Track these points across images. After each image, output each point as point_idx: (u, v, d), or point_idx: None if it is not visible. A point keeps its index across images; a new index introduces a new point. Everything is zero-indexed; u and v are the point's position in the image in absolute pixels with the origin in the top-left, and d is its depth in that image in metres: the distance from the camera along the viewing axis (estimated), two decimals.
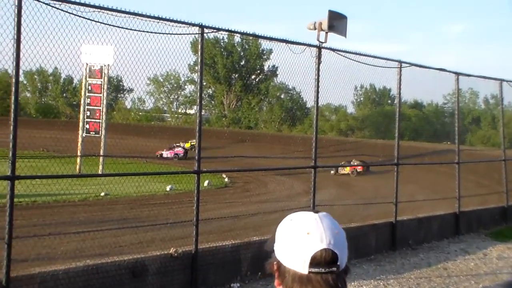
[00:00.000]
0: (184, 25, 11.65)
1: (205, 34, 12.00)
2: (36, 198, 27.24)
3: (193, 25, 11.80)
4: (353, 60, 15.55)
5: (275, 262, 2.16)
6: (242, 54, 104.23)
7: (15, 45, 9.31)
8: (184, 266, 11.35)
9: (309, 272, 2.04)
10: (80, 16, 10.21)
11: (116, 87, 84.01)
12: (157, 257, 11.05)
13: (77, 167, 44.57)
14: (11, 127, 9.32)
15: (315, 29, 14.05)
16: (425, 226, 18.47)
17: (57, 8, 10.16)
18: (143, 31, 10.93)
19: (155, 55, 12.03)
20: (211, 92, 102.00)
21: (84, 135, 46.89)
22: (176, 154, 59.31)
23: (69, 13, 10.29)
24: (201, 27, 11.86)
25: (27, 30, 9.70)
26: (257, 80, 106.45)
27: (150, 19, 11.01)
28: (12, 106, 9.52)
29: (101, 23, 10.54)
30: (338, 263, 2.04)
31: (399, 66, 17.35)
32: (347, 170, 48.80)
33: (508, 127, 31.97)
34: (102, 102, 46.79)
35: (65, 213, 24.13)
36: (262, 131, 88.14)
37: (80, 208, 26.37)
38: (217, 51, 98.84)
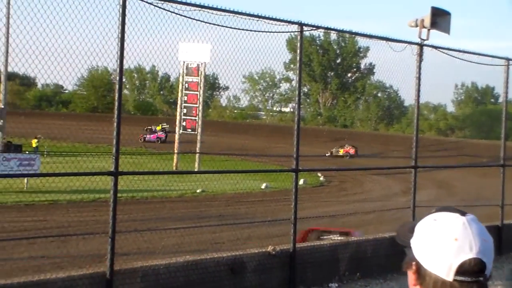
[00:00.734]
0: (282, 23, 11.66)
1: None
2: (135, 193, 28.12)
3: (292, 23, 11.80)
4: (457, 58, 15.11)
5: (414, 263, 2.07)
6: (338, 52, 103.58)
7: (119, 43, 9.57)
8: (282, 264, 11.40)
9: (454, 280, 1.97)
10: (181, 15, 10.41)
11: (212, 85, 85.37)
12: (255, 255, 11.14)
13: (174, 164, 45.72)
14: (115, 124, 9.57)
15: (416, 26, 13.75)
16: None
17: (159, 7, 10.40)
18: (243, 29, 11.02)
19: (251, 53, 12.11)
20: (306, 90, 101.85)
21: (180, 132, 47.97)
22: (159, 137, 63.23)
23: (170, 11, 10.51)
24: (300, 25, 11.84)
25: (131, 29, 9.99)
26: (353, 78, 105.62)
27: (248, 17, 11.10)
28: (116, 103, 9.78)
29: (201, 21, 10.71)
30: (485, 273, 1.97)
31: (506, 64, 16.72)
32: (341, 152, 57.92)
33: None
34: (198, 100, 47.64)
35: (163, 208, 24.76)
36: (358, 129, 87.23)
37: (177, 204, 26.99)
38: (313, 49, 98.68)
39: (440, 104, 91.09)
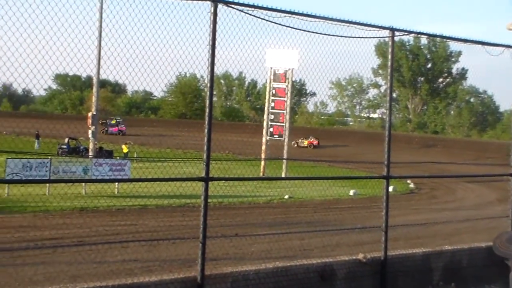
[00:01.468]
0: (373, 28, 11.55)
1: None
2: (223, 199, 28.48)
3: (384, 28, 11.66)
4: None
5: None
6: (428, 56, 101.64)
7: (210, 50, 9.73)
8: (372, 272, 11.28)
9: None
10: (272, 22, 10.48)
11: (299, 91, 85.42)
12: (345, 262, 11.07)
13: (261, 169, 46.04)
14: (206, 131, 9.69)
15: None
16: None
17: (250, 14, 10.52)
18: (334, 35, 11.00)
19: (338, 58, 12.04)
20: (395, 96, 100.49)
21: (268, 138, 48.24)
22: (120, 130, 70.54)
23: (261, 18, 10.61)
24: (392, 30, 11.70)
25: (221, 36, 10.14)
26: (444, 83, 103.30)
27: (339, 23, 11.07)
28: (207, 110, 9.91)
29: (291, 27, 10.76)
30: None
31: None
32: (305, 143, 67.67)
33: None
34: (286, 106, 47.77)
35: (250, 214, 24.97)
36: (450, 136, 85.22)
37: (264, 210, 27.15)
38: (403, 54, 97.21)
39: None
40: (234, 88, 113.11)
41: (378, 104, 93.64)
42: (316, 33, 10.79)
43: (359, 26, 11.29)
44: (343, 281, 10.90)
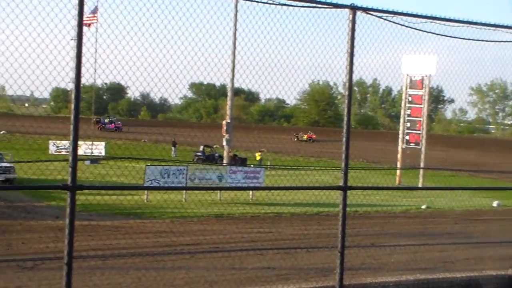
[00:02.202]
0: None
1: None
2: (358, 208, 28.30)
3: None
4: None
5: None
6: None
7: (348, 58, 9.76)
8: None
9: None
10: (412, 28, 10.36)
11: (436, 98, 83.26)
12: (492, 277, 10.70)
13: (397, 178, 45.30)
14: (344, 139, 9.71)
15: None
16: None
17: (389, 21, 10.45)
18: (477, 40, 10.70)
19: (479, 63, 11.69)
20: None
21: (403, 146, 47.38)
22: (117, 127, 78.68)
23: (400, 25, 10.51)
24: None
25: (360, 44, 10.13)
26: None
27: (483, 27, 10.75)
28: (345, 118, 9.91)
29: (432, 33, 10.58)
30: None
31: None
32: (305, 137, 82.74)
33: None
34: (422, 113, 46.74)
35: (387, 224, 24.64)
36: None
37: (401, 220, 26.72)
38: None
39: None
40: (368, 95, 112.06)
41: None
42: (459, 38, 10.55)
43: (506, 30, 10.92)
44: None
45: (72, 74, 7.30)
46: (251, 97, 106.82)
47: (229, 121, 40.83)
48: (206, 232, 21.74)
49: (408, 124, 47.30)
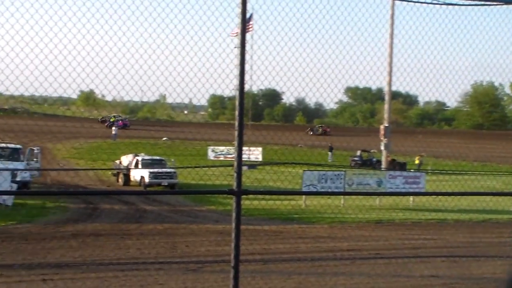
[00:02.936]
0: None
1: None
2: None
3: None
4: None
5: None
6: None
7: None
8: None
9: None
10: None
11: None
12: None
13: None
14: None
15: None
16: None
17: None
18: None
19: None
20: None
21: None
22: (125, 124, 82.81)
23: None
24: None
25: None
26: None
27: None
28: None
29: None
30: None
31: None
32: (320, 130, 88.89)
33: None
34: None
35: None
36: None
37: None
38: None
39: None
40: None
41: None
42: None
43: None
44: None
45: (236, 81, 7.51)
46: (409, 100, 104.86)
47: (387, 125, 40.33)
48: (366, 238, 21.61)
49: None
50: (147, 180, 35.98)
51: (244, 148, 7.85)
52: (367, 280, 14.57)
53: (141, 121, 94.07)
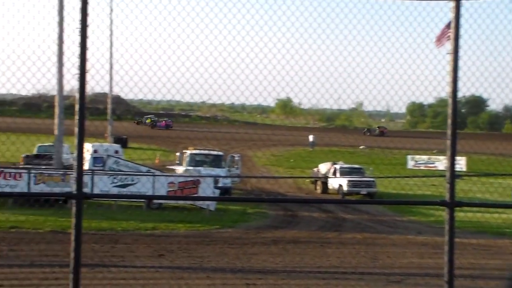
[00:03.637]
0: None
1: None
2: None
3: None
4: None
5: None
6: None
7: None
8: None
9: None
10: None
11: None
12: None
13: None
14: None
15: None
16: None
17: None
18: None
19: None
20: None
21: None
22: (167, 124, 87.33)
23: None
24: None
25: None
26: None
27: None
28: None
29: None
30: None
31: None
32: (377, 131, 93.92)
33: None
34: None
35: None
36: None
37: None
38: None
39: None
40: None
41: None
42: None
43: None
44: None
45: (448, 89, 7.34)
46: None
47: None
48: None
49: None
50: (345, 188, 36.12)
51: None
52: None
53: (339, 129, 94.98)
